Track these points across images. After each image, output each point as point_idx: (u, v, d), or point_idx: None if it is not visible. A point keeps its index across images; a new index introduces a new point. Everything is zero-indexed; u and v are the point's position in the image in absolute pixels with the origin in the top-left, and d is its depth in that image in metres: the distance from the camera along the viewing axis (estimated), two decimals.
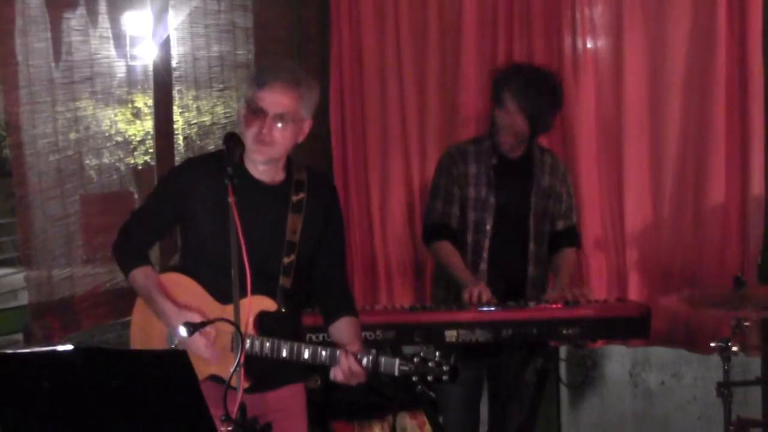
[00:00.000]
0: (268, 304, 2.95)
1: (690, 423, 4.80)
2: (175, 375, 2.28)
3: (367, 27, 4.97)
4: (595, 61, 4.67)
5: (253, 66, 4.81)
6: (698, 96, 4.46)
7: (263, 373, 2.93)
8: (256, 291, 2.77)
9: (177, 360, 2.29)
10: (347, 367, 2.87)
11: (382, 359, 2.85)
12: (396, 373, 2.82)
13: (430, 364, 2.78)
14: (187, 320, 2.85)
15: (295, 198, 3.06)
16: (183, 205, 3.06)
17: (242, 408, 2.57)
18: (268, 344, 2.92)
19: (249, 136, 2.96)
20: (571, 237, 4.14)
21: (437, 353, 2.80)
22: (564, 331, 3.69)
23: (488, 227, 3.97)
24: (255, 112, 2.95)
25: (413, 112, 4.94)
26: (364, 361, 2.88)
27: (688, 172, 4.51)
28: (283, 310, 2.97)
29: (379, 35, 4.96)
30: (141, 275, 3.09)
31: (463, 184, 3.99)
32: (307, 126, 3.05)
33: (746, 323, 3.51)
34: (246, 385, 2.76)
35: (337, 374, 2.91)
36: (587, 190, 4.66)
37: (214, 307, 2.97)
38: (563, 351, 4.61)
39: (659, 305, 4.14)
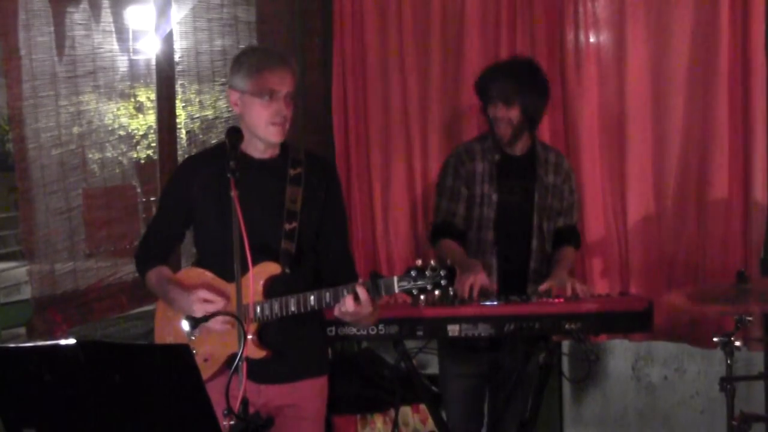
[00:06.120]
0: (272, 268, 3.01)
1: (692, 418, 4.79)
2: (178, 369, 2.28)
3: (369, 21, 4.97)
4: (597, 55, 4.65)
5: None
6: (701, 90, 4.45)
7: (283, 363, 3.04)
8: (260, 259, 2.89)
9: (179, 354, 2.29)
10: (350, 299, 2.89)
11: (381, 281, 2.89)
12: (396, 290, 2.86)
13: (427, 273, 2.82)
14: (197, 297, 2.97)
15: (292, 172, 3.12)
16: (189, 199, 3.14)
17: (244, 402, 2.58)
18: (276, 304, 2.98)
19: (262, 119, 3.03)
20: (570, 236, 4.11)
21: (431, 263, 2.83)
22: (567, 326, 3.68)
23: (491, 222, 3.96)
24: (269, 95, 3.01)
25: (416, 105, 4.93)
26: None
27: (691, 166, 4.49)
28: (288, 271, 3.02)
29: (381, 29, 4.96)
30: (153, 275, 3.20)
31: (471, 183, 3.98)
32: None
33: (749, 318, 3.51)
34: (263, 354, 2.94)
35: (343, 312, 2.93)
36: (590, 185, 4.65)
37: (221, 285, 3.05)
38: (566, 345, 4.61)
39: (662, 301, 4.14)
